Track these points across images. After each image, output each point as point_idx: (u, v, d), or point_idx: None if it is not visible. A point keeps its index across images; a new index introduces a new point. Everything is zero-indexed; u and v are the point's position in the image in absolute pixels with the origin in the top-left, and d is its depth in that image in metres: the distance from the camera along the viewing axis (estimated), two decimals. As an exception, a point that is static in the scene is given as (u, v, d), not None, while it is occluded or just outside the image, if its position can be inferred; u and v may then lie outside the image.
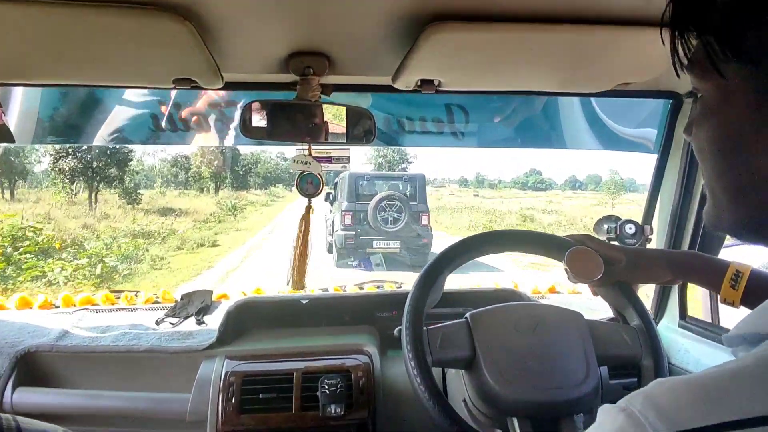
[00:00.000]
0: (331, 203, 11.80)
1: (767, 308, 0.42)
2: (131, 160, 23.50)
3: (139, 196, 22.66)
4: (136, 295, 1.67)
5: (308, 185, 1.25)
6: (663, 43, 0.47)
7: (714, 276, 0.97)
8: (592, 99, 1.78)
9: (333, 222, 11.16)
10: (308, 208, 1.27)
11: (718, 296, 0.95)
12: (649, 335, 1.07)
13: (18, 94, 1.52)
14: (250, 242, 14.38)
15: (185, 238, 14.23)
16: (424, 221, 11.19)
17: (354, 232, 10.47)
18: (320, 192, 1.26)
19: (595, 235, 1.41)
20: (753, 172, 0.45)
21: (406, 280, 1.69)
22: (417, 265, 10.06)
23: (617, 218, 1.50)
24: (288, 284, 1.27)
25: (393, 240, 10.82)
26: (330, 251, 11.26)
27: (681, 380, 0.38)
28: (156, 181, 41.34)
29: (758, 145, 0.43)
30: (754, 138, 0.44)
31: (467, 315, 1.09)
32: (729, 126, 0.46)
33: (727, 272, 0.94)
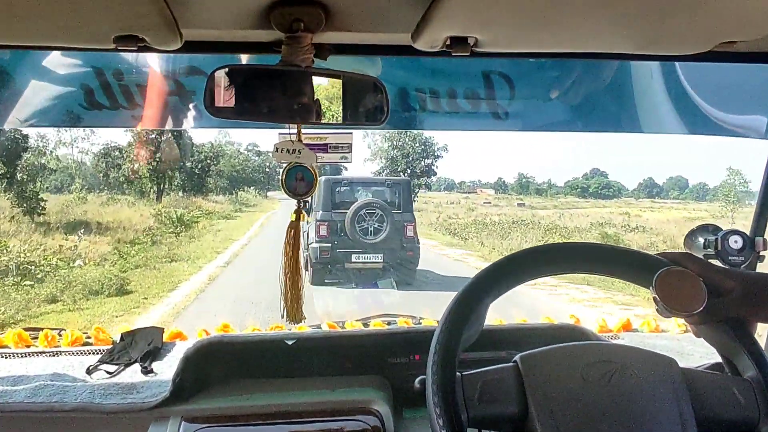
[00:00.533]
0: (307, 213, 12.28)
1: None
2: (32, 150, 22.91)
3: (41, 204, 21.23)
4: (59, 334, 1.69)
5: (297, 182, 1.26)
6: None
7: None
8: (679, 69, 1.80)
9: (307, 234, 12.16)
10: (298, 212, 1.28)
11: None
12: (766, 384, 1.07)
13: None
14: (189, 284, 13.13)
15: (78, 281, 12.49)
16: (410, 232, 12.90)
17: (329, 245, 11.89)
18: (313, 191, 1.26)
19: (692, 252, 1.42)
20: None
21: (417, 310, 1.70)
22: (403, 282, 12.14)
23: (717, 228, 1.53)
24: (283, 317, 1.29)
25: (374, 253, 12.32)
26: (306, 268, 11.98)
27: None
28: (74, 182, 39.04)
29: None
30: None
31: (516, 358, 1.10)
32: None
33: None
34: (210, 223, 26.35)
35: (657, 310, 1.11)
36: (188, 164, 37.69)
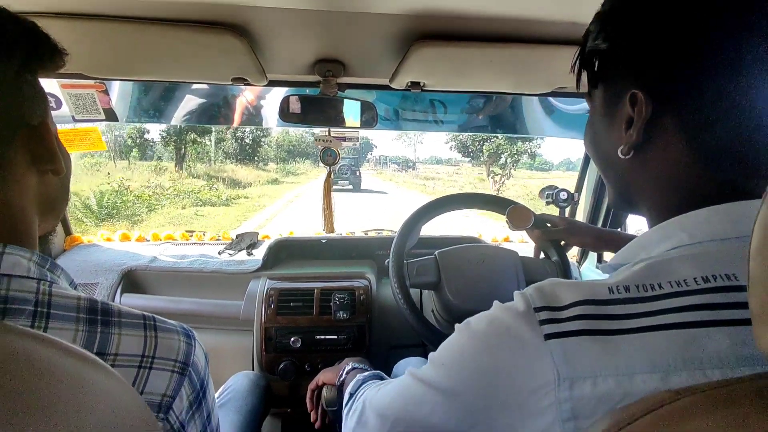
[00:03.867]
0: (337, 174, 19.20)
1: (623, 249, 0.47)
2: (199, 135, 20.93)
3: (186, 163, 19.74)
4: (204, 234, 1.78)
5: (328, 157, 1.34)
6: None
7: (623, 244, 1.04)
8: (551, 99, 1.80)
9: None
10: (329, 174, 1.36)
11: None
12: (563, 264, 1.13)
13: (115, 85, 1.59)
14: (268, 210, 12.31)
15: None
16: (358, 173, 20.84)
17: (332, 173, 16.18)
18: (337, 162, 1.34)
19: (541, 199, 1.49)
20: (607, 159, 0.49)
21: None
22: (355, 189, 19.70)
23: (555, 187, 1.56)
24: (323, 230, 1.36)
25: (344, 181, 19.69)
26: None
27: (563, 281, 0.42)
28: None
29: (608, 140, 0.48)
30: (606, 138, 0.48)
31: (436, 253, 1.16)
32: (594, 126, 0.51)
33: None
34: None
35: (508, 226, 1.15)
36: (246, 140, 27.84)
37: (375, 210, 12.89)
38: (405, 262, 1.11)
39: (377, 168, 53.84)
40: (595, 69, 0.48)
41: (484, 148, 24.83)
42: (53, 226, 0.58)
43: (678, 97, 0.41)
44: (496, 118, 1.84)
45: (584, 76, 0.51)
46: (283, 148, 40.62)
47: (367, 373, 0.76)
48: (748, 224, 0.27)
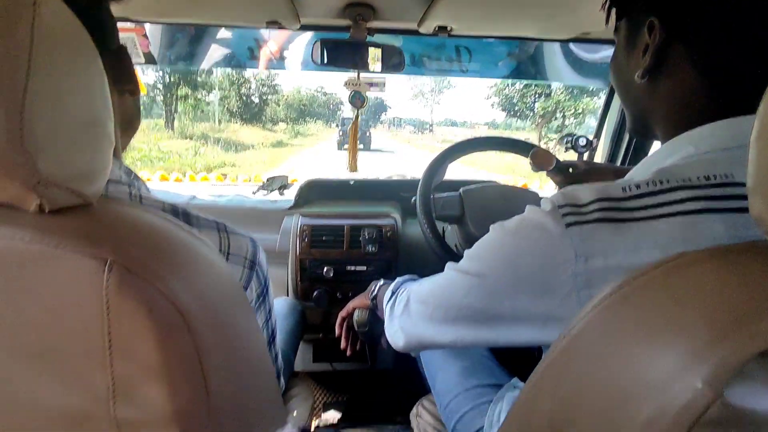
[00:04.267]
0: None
1: (636, 167, 0.53)
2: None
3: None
4: (237, 177, 1.87)
5: (357, 100, 1.39)
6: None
7: None
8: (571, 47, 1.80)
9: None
10: (357, 116, 1.42)
11: None
12: None
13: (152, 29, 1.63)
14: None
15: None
16: (368, 133, 20.77)
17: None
18: (364, 105, 1.39)
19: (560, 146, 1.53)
20: (627, 85, 0.56)
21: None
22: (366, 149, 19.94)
23: (574, 134, 1.61)
24: (347, 168, 1.43)
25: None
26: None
27: (582, 185, 0.47)
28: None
29: (628, 67, 0.54)
30: (626, 66, 0.55)
31: (461, 189, 1.22)
32: (617, 58, 0.58)
33: None
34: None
35: (531, 168, 1.15)
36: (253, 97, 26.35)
37: (387, 169, 12.96)
38: (431, 196, 1.18)
39: (392, 129, 51.71)
40: (621, 2, 0.54)
41: (537, 105, 21.83)
42: (127, 144, 0.66)
43: (685, 24, 0.47)
44: (519, 65, 1.86)
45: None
46: (293, 108, 37.80)
47: (405, 276, 0.85)
48: (749, 135, 0.31)
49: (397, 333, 0.70)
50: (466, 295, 0.54)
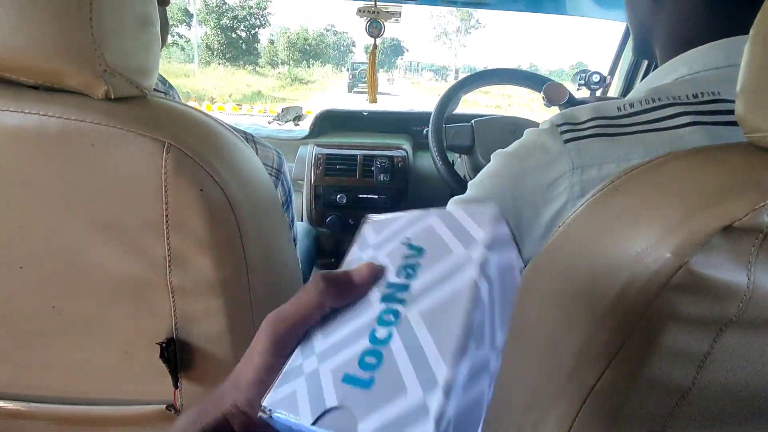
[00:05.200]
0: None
1: (633, 90, 0.55)
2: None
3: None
4: (252, 107, 1.89)
5: (374, 29, 1.38)
6: None
7: None
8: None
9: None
10: (374, 45, 1.41)
11: None
12: None
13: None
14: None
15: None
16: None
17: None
18: (382, 33, 1.38)
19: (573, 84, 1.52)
20: (636, 6, 0.57)
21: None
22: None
23: (588, 71, 1.59)
24: (367, 100, 1.44)
25: (363, 84, 17.31)
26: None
27: (580, 106, 0.50)
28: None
29: None
30: None
31: (473, 121, 1.23)
32: None
33: None
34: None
35: (544, 103, 1.16)
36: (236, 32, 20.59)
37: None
38: (443, 126, 1.20)
39: (409, 76, 45.27)
40: None
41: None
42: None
43: None
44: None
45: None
46: (296, 48, 32.11)
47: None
48: (740, 55, 0.33)
49: None
50: None
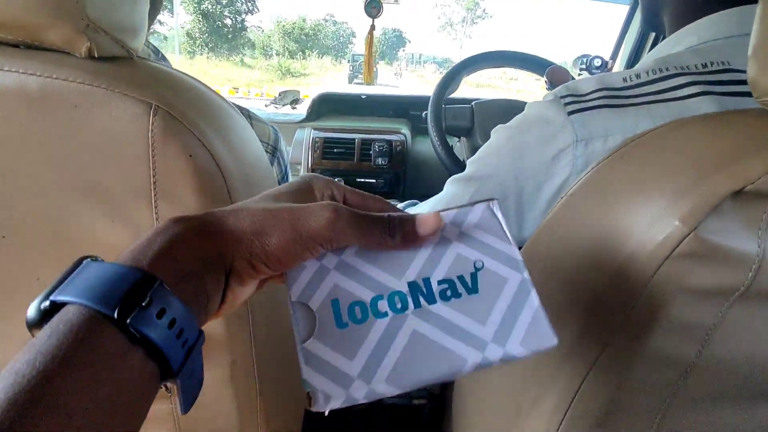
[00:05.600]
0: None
1: (641, 61, 0.54)
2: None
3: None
4: (249, 91, 1.86)
5: (372, 9, 1.35)
6: None
7: None
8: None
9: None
10: (372, 26, 1.38)
11: None
12: None
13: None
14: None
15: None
16: (375, 68, 21.44)
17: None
18: (380, 14, 1.35)
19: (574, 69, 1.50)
20: None
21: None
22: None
23: (588, 55, 1.56)
24: (363, 80, 1.42)
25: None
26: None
27: (584, 78, 0.49)
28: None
29: None
30: None
31: (473, 103, 1.22)
32: None
33: None
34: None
35: (546, 87, 1.14)
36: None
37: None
38: (443, 107, 1.18)
39: (411, 68, 42.50)
40: None
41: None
42: (151, 25, 0.67)
43: None
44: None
45: None
46: (292, 37, 29.77)
47: (405, 202, 0.87)
48: (752, 22, 0.31)
49: None
50: (471, 199, 0.56)
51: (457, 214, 0.30)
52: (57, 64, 0.35)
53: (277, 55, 27.42)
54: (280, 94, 1.78)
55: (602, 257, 0.34)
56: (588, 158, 0.46)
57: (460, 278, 0.28)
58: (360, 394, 0.24)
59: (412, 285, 0.27)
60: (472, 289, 0.27)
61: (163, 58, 0.60)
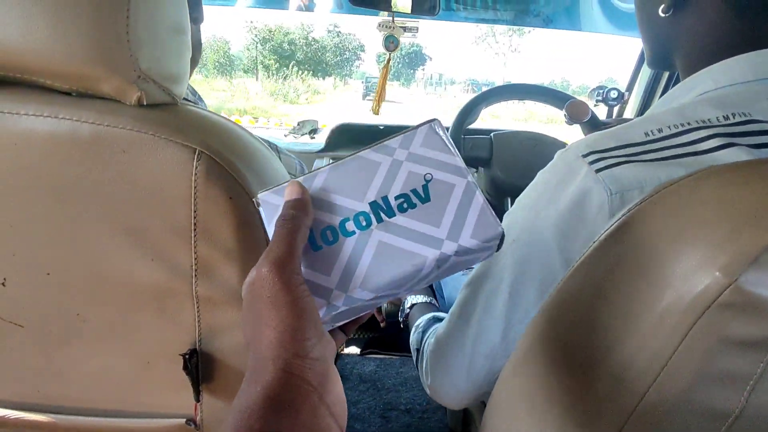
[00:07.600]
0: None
1: (657, 103, 0.54)
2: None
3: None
4: (268, 120, 1.90)
5: (390, 44, 1.38)
6: None
7: None
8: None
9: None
10: (389, 59, 1.41)
11: None
12: None
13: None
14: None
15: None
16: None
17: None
18: (397, 49, 1.38)
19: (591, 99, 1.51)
20: (650, 18, 0.55)
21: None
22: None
23: (605, 87, 1.57)
24: (371, 110, 1.44)
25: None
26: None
27: (603, 133, 0.47)
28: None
29: (653, 4, 0.53)
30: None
31: (492, 134, 1.22)
32: None
33: None
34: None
35: (565, 121, 1.17)
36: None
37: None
38: (462, 137, 1.19)
39: (430, 90, 37.26)
40: None
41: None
42: (191, 73, 0.70)
43: None
44: (552, 14, 1.79)
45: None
46: (278, 53, 28.87)
47: (428, 315, 0.76)
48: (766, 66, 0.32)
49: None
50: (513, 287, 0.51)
51: (404, 138, 0.35)
52: (108, 112, 0.36)
53: (271, 76, 24.63)
54: (298, 124, 1.81)
55: (640, 304, 0.34)
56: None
57: (414, 191, 0.32)
58: (339, 302, 0.29)
59: (373, 204, 0.32)
60: (425, 199, 0.32)
61: (200, 99, 0.62)
